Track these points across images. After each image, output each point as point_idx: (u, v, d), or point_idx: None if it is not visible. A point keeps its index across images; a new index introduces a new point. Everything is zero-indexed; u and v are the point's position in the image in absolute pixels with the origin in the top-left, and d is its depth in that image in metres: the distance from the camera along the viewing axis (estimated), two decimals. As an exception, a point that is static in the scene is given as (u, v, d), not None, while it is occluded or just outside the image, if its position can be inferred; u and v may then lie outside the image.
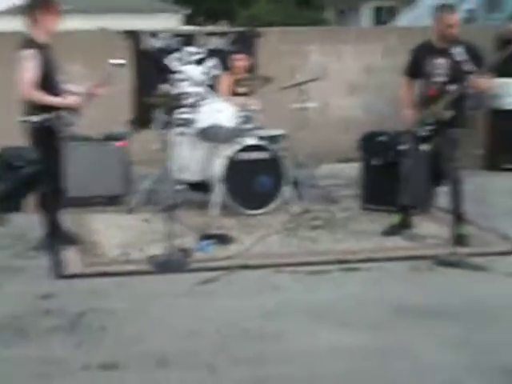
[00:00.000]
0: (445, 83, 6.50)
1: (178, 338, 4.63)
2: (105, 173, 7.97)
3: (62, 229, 6.53)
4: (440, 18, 6.50)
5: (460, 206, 6.58)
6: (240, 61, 8.38)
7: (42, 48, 6.20)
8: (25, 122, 6.22)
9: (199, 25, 36.03)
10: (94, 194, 7.99)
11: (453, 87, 6.44)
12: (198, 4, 38.31)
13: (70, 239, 6.57)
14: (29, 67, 6.10)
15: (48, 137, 6.25)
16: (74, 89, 6.55)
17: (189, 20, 34.54)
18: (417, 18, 28.26)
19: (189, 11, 33.91)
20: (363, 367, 4.27)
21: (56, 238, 6.31)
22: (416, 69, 6.69)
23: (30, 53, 6.13)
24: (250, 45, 10.04)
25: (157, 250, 6.19)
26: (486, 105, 9.96)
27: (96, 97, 6.54)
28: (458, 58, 6.37)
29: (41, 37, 6.22)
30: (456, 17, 6.54)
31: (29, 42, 6.18)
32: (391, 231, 6.87)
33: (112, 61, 6.44)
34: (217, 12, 39.59)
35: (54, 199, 6.39)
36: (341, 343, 4.56)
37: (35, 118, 6.19)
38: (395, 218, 6.94)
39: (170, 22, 28.45)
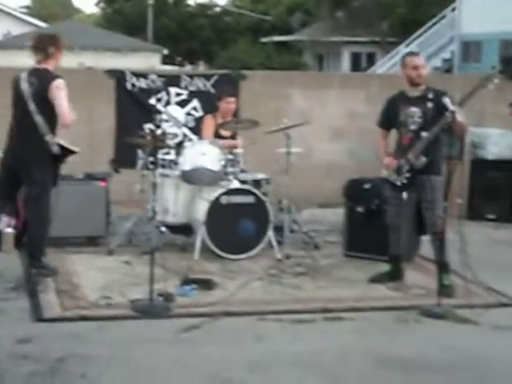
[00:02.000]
0: (419, 131, 6.56)
1: (161, 388, 4.51)
2: (85, 213, 7.84)
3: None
4: (405, 63, 6.67)
5: (444, 256, 6.55)
6: (231, 104, 8.33)
7: None
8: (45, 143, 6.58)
9: (179, 65, 36.24)
10: (73, 234, 7.85)
11: (426, 134, 6.47)
12: (176, 44, 38.52)
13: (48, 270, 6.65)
14: (64, 96, 6.54)
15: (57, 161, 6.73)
16: None
17: (167, 60, 34.67)
18: (394, 66, 28.65)
19: (167, 51, 34.05)
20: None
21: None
22: (389, 119, 6.80)
23: (63, 82, 6.53)
24: (234, 87, 10.00)
25: (138, 293, 6.08)
26: (466, 150, 9.98)
27: None
28: (431, 105, 6.45)
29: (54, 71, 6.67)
30: (420, 59, 6.70)
31: (53, 73, 6.60)
32: (379, 279, 6.82)
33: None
34: (195, 53, 39.85)
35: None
36: (328, 396, 4.48)
37: (61, 141, 6.67)
38: (385, 267, 6.90)
39: (150, 61, 28.50)
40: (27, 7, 61.72)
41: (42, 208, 6.73)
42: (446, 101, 6.28)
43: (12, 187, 6.91)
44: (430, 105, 6.50)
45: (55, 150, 6.65)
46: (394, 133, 6.89)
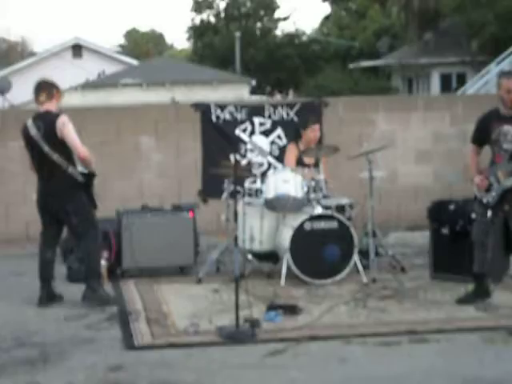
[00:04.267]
0: None
1: (246, 411, 4.61)
2: (174, 243, 8.06)
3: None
4: (500, 84, 6.58)
5: (533, 276, 6.46)
6: (316, 131, 8.42)
7: None
8: (73, 177, 6.91)
9: (269, 94, 36.58)
10: (163, 264, 8.08)
11: None
12: (265, 74, 38.90)
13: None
14: (71, 130, 6.87)
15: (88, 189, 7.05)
16: None
17: (257, 90, 35.05)
18: (486, 84, 28.20)
19: (255, 82, 34.46)
20: None
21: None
22: (482, 136, 6.71)
23: (66, 118, 6.88)
24: (317, 114, 10.10)
25: (225, 320, 6.21)
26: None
27: None
28: None
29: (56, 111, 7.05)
30: None
31: (56, 112, 6.99)
32: (466, 299, 6.76)
33: None
34: (283, 82, 40.14)
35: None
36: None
37: (84, 170, 6.97)
38: (470, 287, 6.84)
39: (238, 92, 28.87)
40: (121, 46, 63.50)
41: (88, 238, 7.03)
42: None
43: (56, 228, 7.20)
44: None
45: (80, 178, 6.94)
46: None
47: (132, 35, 67.61)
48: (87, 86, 30.01)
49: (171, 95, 24.35)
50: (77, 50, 38.50)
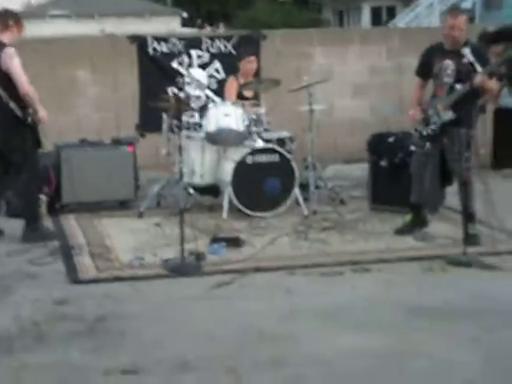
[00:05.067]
0: (452, 84, 6.59)
1: (196, 342, 4.66)
2: (114, 177, 8.00)
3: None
4: (444, 21, 6.68)
5: (470, 206, 6.63)
6: (252, 63, 8.40)
7: None
8: (16, 116, 6.70)
9: (199, 27, 36.14)
10: (103, 198, 8.02)
11: (459, 87, 6.52)
12: (195, 6, 38.38)
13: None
14: (19, 64, 6.66)
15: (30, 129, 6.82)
16: None
17: (187, 22, 34.59)
18: (416, 18, 28.39)
19: (186, 14, 33.96)
20: (380, 368, 4.31)
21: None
22: (426, 70, 6.81)
23: (13, 51, 6.68)
24: (255, 47, 10.05)
25: (170, 253, 6.24)
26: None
27: None
28: (466, 60, 6.44)
29: (9, 43, 6.79)
30: (458, 20, 6.58)
31: (3, 44, 6.72)
32: (404, 230, 6.93)
33: None
34: (214, 14, 39.69)
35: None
36: (357, 345, 4.59)
37: (30, 111, 6.73)
38: (407, 217, 7.00)
39: (170, 24, 28.47)
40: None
41: (27, 174, 6.92)
42: (466, 51, 6.32)
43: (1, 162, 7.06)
44: (464, 60, 6.48)
45: (19, 114, 6.73)
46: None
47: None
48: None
49: (101, 27, 23.90)
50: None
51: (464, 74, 6.51)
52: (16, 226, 7.04)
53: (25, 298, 5.45)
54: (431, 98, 6.79)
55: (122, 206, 8.11)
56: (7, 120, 6.77)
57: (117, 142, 8.28)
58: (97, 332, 4.84)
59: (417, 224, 6.97)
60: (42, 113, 6.81)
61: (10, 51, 6.68)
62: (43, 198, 7.61)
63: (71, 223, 7.55)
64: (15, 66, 6.67)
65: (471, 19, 28.31)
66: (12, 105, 6.73)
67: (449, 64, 6.61)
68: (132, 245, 6.70)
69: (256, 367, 4.30)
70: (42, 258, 6.38)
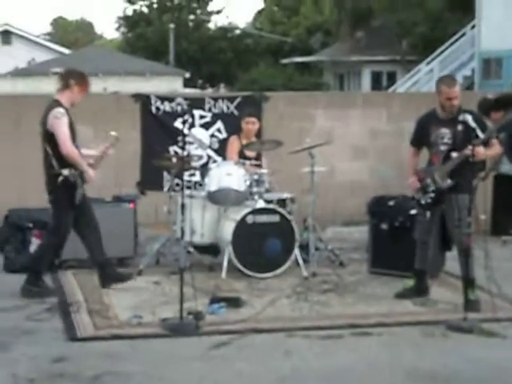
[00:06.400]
0: (448, 152, 6.66)
1: (195, 403, 4.62)
2: (114, 234, 7.97)
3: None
4: (440, 91, 6.68)
5: (470, 272, 6.62)
6: (253, 124, 8.49)
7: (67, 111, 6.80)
8: (56, 174, 6.71)
9: (201, 88, 36.52)
10: (103, 255, 7.98)
11: (455, 155, 6.57)
12: (196, 67, 38.83)
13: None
14: (63, 124, 6.69)
15: (71, 191, 6.81)
16: (86, 152, 7.06)
17: (188, 83, 34.96)
18: (416, 84, 28.70)
19: (189, 74, 34.34)
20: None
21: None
22: (421, 138, 6.88)
23: (60, 111, 6.70)
24: (257, 108, 10.13)
25: (168, 312, 6.20)
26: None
27: (105, 158, 7.12)
28: (461, 127, 6.51)
29: (66, 102, 6.83)
30: (456, 90, 6.66)
31: (57, 103, 6.77)
32: (405, 294, 6.90)
33: (112, 133, 7.08)
34: (216, 75, 40.13)
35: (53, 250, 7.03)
36: (358, 409, 4.55)
37: (66, 172, 6.72)
38: (410, 282, 6.98)
39: (172, 84, 28.78)
40: (49, 34, 62.45)
41: (49, 234, 7.06)
42: (468, 118, 6.36)
43: None
44: (460, 127, 6.56)
45: (57, 172, 6.77)
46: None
47: (59, 23, 66.59)
48: (17, 73, 29.49)
49: (104, 85, 24.12)
50: (6, 36, 37.77)
51: (460, 141, 6.57)
52: (13, 281, 7.01)
53: (22, 355, 5.39)
54: (427, 166, 6.85)
55: (121, 263, 8.08)
56: (48, 178, 6.85)
57: (118, 200, 8.30)
58: (94, 391, 4.78)
59: (419, 290, 6.94)
60: (90, 172, 6.86)
61: (57, 111, 6.72)
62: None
63: (70, 279, 7.52)
64: (58, 125, 6.69)
65: (470, 86, 28.71)
66: (54, 163, 6.74)
67: (445, 132, 6.68)
68: (131, 303, 6.66)
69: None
70: (39, 314, 6.33)
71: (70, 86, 6.83)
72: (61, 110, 6.74)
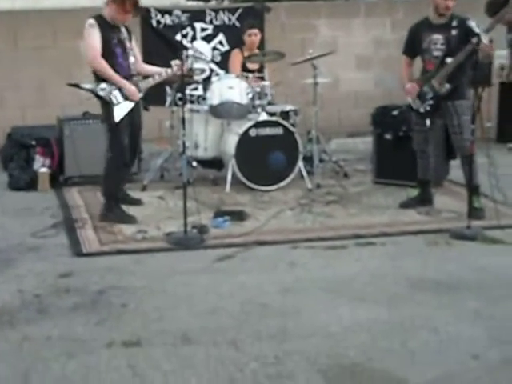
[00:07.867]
0: (443, 58, 6.56)
1: (199, 315, 4.65)
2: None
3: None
4: None
5: (474, 179, 6.59)
6: (255, 36, 8.35)
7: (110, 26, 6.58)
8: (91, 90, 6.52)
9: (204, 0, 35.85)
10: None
11: (450, 61, 6.46)
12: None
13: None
14: (91, 37, 6.48)
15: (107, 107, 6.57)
16: (151, 69, 7.08)
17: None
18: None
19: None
20: (384, 341, 4.29)
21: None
22: (413, 46, 6.77)
23: (89, 22, 6.51)
24: (259, 20, 9.95)
25: (173, 227, 6.22)
26: (495, 73, 9.89)
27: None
28: (455, 33, 6.43)
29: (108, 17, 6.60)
30: None
31: (97, 15, 6.60)
32: (408, 204, 6.90)
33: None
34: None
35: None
36: (361, 318, 4.58)
37: (88, 86, 6.54)
38: (414, 191, 6.97)
39: (174, -3, 28.26)
40: None
41: (110, 153, 6.75)
42: (472, 24, 6.23)
43: None
44: (453, 32, 6.48)
45: (89, 87, 6.64)
46: (419, 61, 6.87)
47: None
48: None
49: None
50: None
51: (454, 46, 6.47)
52: (18, 198, 7.03)
53: (28, 271, 5.44)
54: (422, 74, 6.75)
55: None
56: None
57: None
58: (99, 305, 4.83)
59: (422, 199, 6.94)
60: (128, 88, 6.58)
61: (87, 22, 6.56)
62: (46, 170, 7.58)
63: (74, 196, 7.54)
64: (85, 37, 6.54)
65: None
66: (93, 79, 6.56)
67: (438, 38, 6.58)
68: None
69: (258, 340, 4.29)
70: (44, 230, 6.36)
71: (108, 2, 6.65)
72: (90, 20, 6.56)
